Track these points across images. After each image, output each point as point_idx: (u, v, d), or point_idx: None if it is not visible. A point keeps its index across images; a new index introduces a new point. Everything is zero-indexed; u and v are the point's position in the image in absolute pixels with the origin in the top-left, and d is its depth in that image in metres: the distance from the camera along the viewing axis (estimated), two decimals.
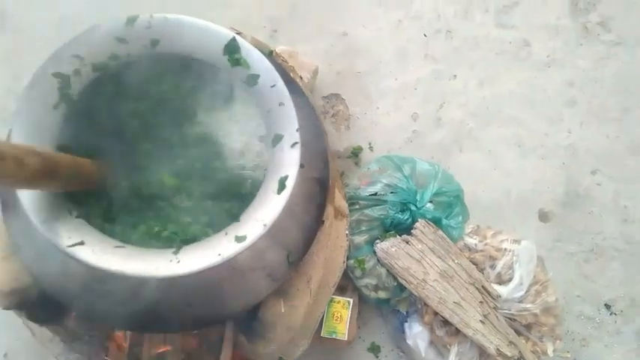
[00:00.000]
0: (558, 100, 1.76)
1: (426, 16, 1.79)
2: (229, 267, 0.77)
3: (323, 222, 1.04)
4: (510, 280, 1.39)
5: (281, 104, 0.77)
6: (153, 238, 0.76)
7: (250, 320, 0.91)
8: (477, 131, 1.72)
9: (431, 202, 1.43)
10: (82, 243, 0.64)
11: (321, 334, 1.37)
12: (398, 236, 1.39)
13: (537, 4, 1.84)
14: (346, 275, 1.41)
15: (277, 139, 0.77)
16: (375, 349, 1.51)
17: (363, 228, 1.41)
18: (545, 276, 1.42)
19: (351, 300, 1.39)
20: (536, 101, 1.76)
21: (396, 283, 1.39)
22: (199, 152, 0.83)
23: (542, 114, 1.75)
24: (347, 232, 1.34)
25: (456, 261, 1.37)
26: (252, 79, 0.79)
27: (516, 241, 1.42)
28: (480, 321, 1.34)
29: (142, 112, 0.82)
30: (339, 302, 1.38)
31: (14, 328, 1.35)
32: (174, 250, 0.70)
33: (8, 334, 1.41)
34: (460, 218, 1.46)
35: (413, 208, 1.40)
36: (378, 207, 1.41)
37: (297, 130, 0.75)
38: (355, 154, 1.62)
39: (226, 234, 0.71)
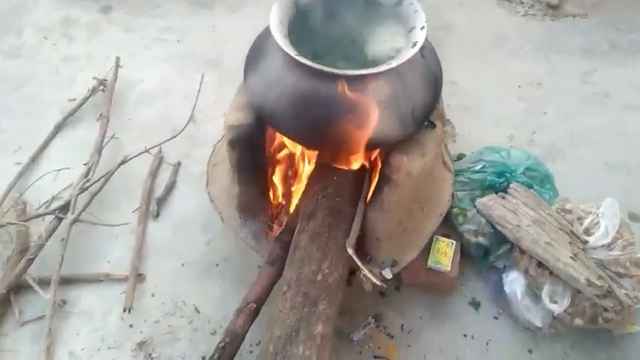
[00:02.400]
0: (636, 133, 2.08)
1: (519, 74, 2.31)
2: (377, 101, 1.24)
3: (434, 125, 1.47)
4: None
5: (415, 12, 1.31)
6: None
7: (384, 166, 1.34)
8: (567, 150, 2.06)
9: (523, 174, 1.75)
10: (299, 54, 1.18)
11: (428, 264, 1.63)
12: (495, 194, 1.71)
13: (615, 69, 2.29)
14: (450, 223, 1.72)
15: (411, 29, 1.29)
16: (475, 304, 1.70)
17: (466, 188, 1.75)
18: (630, 236, 1.60)
19: (454, 242, 1.68)
20: (617, 133, 2.10)
21: (492, 230, 1.66)
22: (360, 47, 1.37)
23: (624, 143, 2.07)
24: (452, 182, 1.71)
25: (547, 212, 1.64)
26: (399, 3, 1.35)
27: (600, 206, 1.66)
28: (571, 257, 1.53)
29: (334, 23, 1.40)
30: (444, 242, 1.67)
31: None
32: None
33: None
34: (550, 192, 1.75)
35: (508, 175, 1.74)
36: (479, 174, 1.77)
37: (425, 21, 1.27)
38: (460, 158, 2.02)
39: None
